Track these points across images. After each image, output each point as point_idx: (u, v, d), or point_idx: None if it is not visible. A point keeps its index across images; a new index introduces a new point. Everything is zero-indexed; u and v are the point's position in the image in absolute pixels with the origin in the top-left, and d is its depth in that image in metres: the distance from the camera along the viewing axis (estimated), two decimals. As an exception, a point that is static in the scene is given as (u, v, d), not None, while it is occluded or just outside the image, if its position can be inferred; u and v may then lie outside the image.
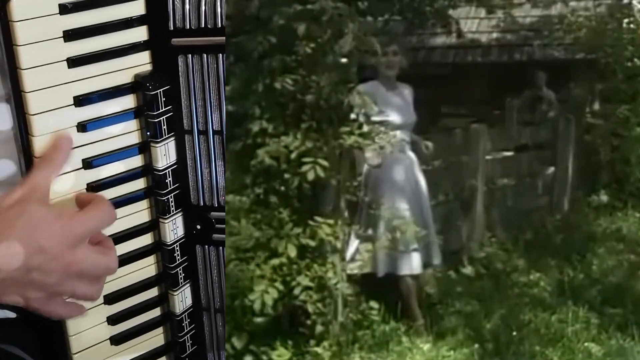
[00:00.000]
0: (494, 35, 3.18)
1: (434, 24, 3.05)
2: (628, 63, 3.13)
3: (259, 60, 1.84)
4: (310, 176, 1.77)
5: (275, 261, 1.80)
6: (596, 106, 3.19)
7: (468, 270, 2.42)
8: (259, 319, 1.80)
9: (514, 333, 2.14)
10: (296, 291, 1.82)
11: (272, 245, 1.80)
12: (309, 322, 1.88)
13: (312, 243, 1.84)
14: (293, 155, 1.79)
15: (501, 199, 2.85)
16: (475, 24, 3.22)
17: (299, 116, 1.83)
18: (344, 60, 1.89)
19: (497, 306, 2.30)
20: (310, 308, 1.85)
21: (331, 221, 1.86)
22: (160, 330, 1.59)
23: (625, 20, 3.16)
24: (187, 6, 1.40)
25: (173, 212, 1.51)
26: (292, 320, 1.91)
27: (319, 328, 1.88)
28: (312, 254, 1.86)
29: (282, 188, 1.84)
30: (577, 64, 3.14)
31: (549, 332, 2.14)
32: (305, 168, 1.77)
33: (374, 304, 2.10)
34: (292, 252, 1.80)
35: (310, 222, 1.84)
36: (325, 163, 1.78)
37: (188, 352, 1.61)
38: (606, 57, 3.10)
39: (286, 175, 1.82)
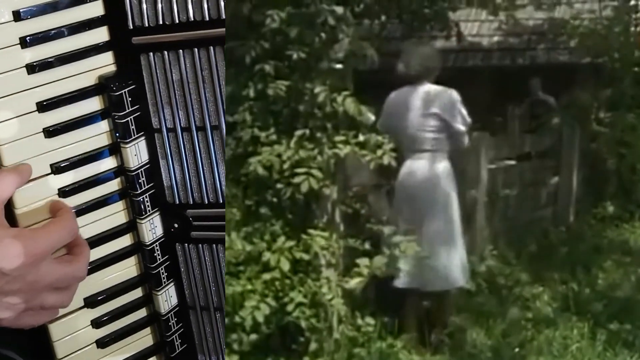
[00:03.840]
0: (496, 38, 3.19)
1: (433, 27, 3.05)
2: (635, 68, 3.15)
3: (250, 65, 1.85)
4: (304, 188, 1.78)
5: (266, 276, 1.81)
6: (602, 113, 3.20)
7: (468, 284, 2.42)
8: (250, 336, 1.80)
9: (516, 350, 2.14)
10: (289, 307, 1.83)
11: (263, 259, 1.81)
12: (302, 338, 1.88)
13: (306, 257, 1.85)
14: (286, 165, 1.80)
15: (503, 209, 2.86)
16: (476, 27, 3.23)
17: (292, 124, 1.84)
18: (339, 66, 1.90)
19: (499, 322, 2.31)
20: (303, 324, 1.86)
21: (326, 234, 1.87)
22: (147, 331, 1.63)
23: (633, 23, 3.17)
24: (143, 4, 1.44)
25: (149, 212, 1.55)
26: (285, 337, 1.92)
27: (313, 345, 1.88)
28: (306, 268, 1.87)
29: (274, 199, 1.85)
30: (582, 68, 3.15)
31: (553, 349, 2.15)
32: (298, 180, 1.78)
33: (369, 320, 2.10)
34: (285, 266, 1.81)
35: (304, 235, 1.85)
36: (319, 174, 1.79)
37: (178, 351, 1.65)
38: (613, 61, 3.12)
39: (278, 186, 1.83)
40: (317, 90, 1.82)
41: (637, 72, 3.12)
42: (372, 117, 1.93)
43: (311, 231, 1.86)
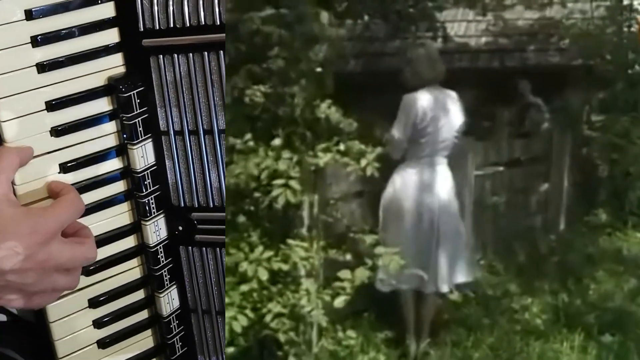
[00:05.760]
0: (484, 39, 3.19)
1: (418, 28, 3.05)
2: (629, 70, 3.15)
3: (226, 70, 1.85)
4: (281, 201, 1.80)
5: (244, 287, 1.82)
6: (594, 116, 3.20)
7: (454, 295, 2.43)
8: (227, 350, 1.81)
9: (505, 363, 2.16)
10: (267, 319, 1.83)
11: (240, 269, 1.82)
12: (280, 353, 1.89)
13: (285, 267, 1.86)
14: (264, 175, 1.81)
15: (491, 218, 2.87)
16: (463, 27, 3.23)
17: (270, 131, 1.85)
18: (319, 69, 1.91)
19: (486, 334, 2.32)
20: (282, 338, 1.86)
21: (305, 244, 1.88)
22: (148, 333, 1.69)
23: (626, 24, 3.18)
24: (155, 7, 1.49)
25: (154, 213, 1.60)
26: (262, 351, 1.92)
27: (291, 359, 1.89)
28: (285, 279, 1.88)
29: (252, 208, 1.86)
30: (574, 71, 3.15)
31: (542, 362, 2.16)
32: (275, 193, 1.80)
33: (351, 333, 2.11)
34: (264, 276, 1.82)
35: (282, 246, 1.86)
36: (297, 187, 1.81)
37: (178, 353, 1.70)
38: (605, 63, 3.12)
39: (256, 195, 1.84)
40: (296, 98, 1.83)
41: (630, 75, 3.12)
42: (355, 124, 1.94)
43: (290, 241, 1.87)
